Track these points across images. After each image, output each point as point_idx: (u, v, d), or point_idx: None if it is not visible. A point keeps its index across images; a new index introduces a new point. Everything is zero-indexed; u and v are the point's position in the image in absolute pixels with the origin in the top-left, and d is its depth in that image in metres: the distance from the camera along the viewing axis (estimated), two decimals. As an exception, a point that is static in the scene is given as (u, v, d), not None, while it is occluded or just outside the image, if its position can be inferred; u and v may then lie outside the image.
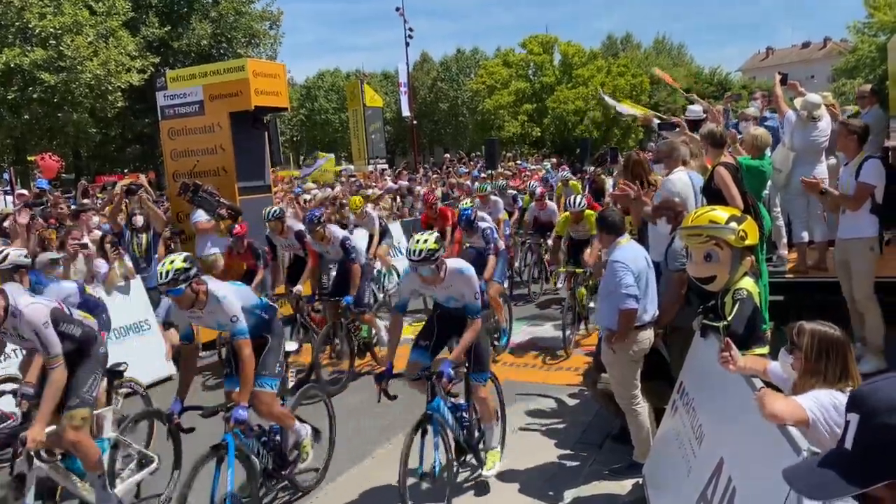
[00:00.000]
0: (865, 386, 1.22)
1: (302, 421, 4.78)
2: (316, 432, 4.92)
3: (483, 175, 17.59)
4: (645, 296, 4.40)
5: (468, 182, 15.56)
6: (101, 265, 7.44)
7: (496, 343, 7.54)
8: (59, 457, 4.18)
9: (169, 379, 7.27)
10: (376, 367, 7.30)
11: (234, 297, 4.22)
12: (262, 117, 9.29)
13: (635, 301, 4.29)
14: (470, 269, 4.46)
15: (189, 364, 4.46)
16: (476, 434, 4.73)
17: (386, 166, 28.17)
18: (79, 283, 5.74)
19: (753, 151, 6.09)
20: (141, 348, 7.27)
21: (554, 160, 25.83)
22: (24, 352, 4.92)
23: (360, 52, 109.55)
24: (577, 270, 7.87)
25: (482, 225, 7.93)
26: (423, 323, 5.08)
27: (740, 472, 2.74)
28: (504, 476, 4.78)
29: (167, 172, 9.57)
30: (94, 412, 4.35)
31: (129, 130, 29.64)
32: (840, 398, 2.40)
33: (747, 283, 3.48)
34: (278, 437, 4.64)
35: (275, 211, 7.76)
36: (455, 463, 4.50)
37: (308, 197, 14.19)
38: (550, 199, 11.23)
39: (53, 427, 4.01)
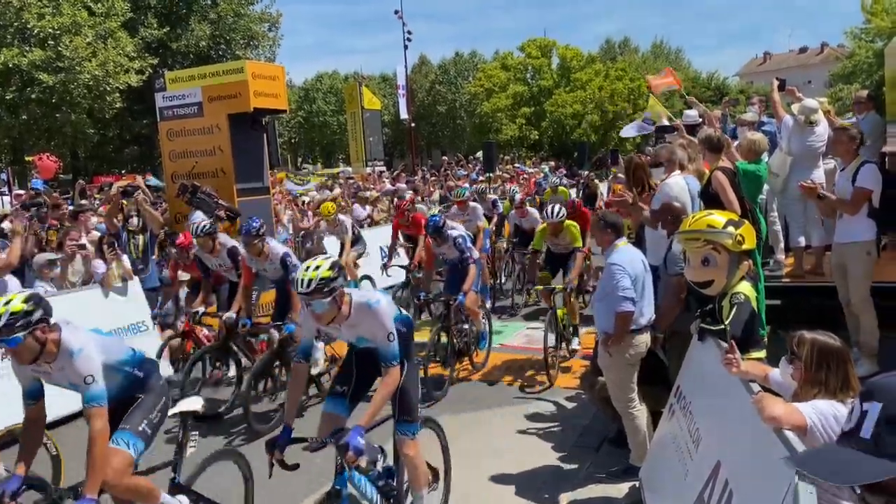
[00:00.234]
0: (882, 378, 1.25)
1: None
2: None
3: (481, 178, 17.65)
4: (641, 299, 4.41)
5: (466, 184, 15.60)
6: (99, 266, 7.44)
7: (478, 349, 7.21)
8: None
9: (167, 380, 7.22)
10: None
11: (93, 350, 3.31)
12: (261, 119, 9.28)
13: (632, 304, 4.30)
14: (380, 303, 3.46)
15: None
16: None
17: (384, 168, 28.22)
18: None
19: (750, 156, 6.10)
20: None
21: (552, 163, 25.92)
22: None
23: (359, 55, 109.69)
24: (557, 287, 7.13)
25: (452, 233, 7.18)
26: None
27: (737, 476, 2.74)
28: (500, 479, 4.76)
29: (166, 173, 9.57)
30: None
31: (126, 131, 29.67)
32: (840, 409, 2.40)
33: (745, 288, 3.48)
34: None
35: (204, 226, 6.70)
36: None
37: (307, 199, 14.22)
38: (532, 206, 10.63)
39: None
